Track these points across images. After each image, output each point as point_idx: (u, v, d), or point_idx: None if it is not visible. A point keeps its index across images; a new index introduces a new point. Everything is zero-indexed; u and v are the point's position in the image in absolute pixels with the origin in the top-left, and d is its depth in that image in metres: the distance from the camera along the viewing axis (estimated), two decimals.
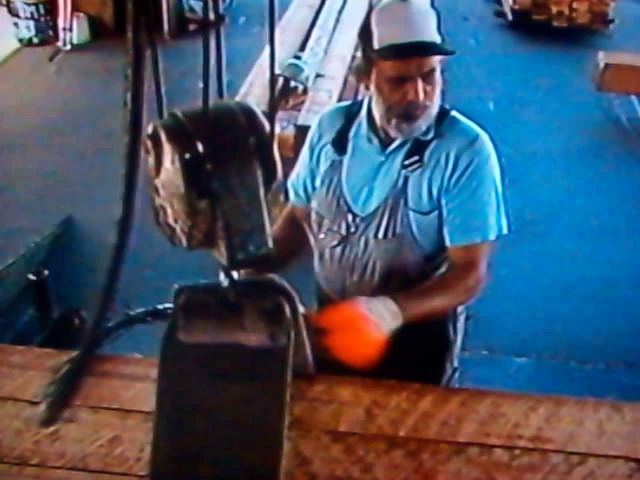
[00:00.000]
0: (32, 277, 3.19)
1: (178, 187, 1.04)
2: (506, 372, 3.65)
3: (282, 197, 2.19)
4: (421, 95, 1.85)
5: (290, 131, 4.51)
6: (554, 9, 8.16)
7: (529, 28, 8.17)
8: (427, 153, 1.94)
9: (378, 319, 1.71)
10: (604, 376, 3.68)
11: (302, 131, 4.41)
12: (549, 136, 6.03)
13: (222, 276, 1.16)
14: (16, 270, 3.88)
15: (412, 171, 1.95)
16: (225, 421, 1.19)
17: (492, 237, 1.97)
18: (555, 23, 8.18)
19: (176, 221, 1.10)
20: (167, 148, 1.04)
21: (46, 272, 3.23)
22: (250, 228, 1.06)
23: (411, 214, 1.96)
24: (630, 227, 4.88)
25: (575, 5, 8.15)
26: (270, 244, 1.08)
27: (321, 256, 2.13)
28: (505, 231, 2.00)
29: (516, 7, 8.30)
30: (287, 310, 1.17)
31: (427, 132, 1.94)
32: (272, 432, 1.19)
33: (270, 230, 1.09)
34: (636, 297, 4.20)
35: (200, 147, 1.03)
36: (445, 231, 1.97)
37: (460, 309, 2.17)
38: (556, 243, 4.70)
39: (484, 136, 1.97)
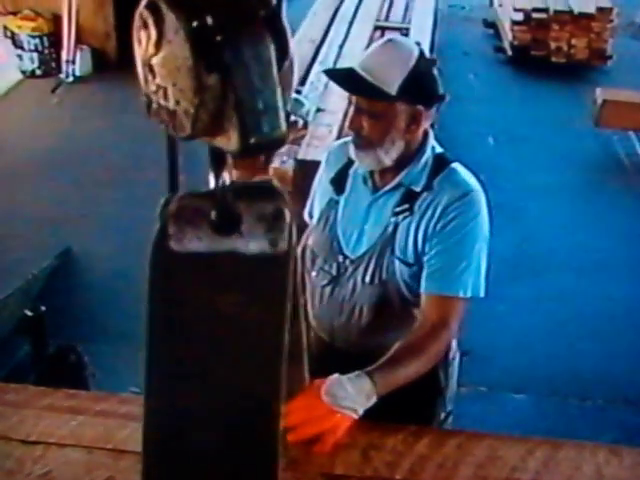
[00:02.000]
0: (29, 313, 3.18)
1: (184, 60, 0.94)
2: (504, 409, 3.63)
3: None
4: (364, 127, 1.90)
5: (290, 165, 4.53)
6: (553, 45, 8.25)
7: (528, 63, 8.25)
8: (418, 203, 1.94)
9: (346, 405, 1.65)
10: (603, 413, 3.66)
11: (302, 165, 4.43)
12: (548, 171, 6.05)
13: (212, 181, 1.06)
14: (13, 302, 3.87)
15: (402, 219, 1.95)
16: (222, 333, 1.10)
17: (464, 295, 1.91)
18: (554, 59, 8.26)
19: (178, 103, 0.98)
20: (170, 18, 0.95)
21: (43, 307, 3.22)
22: (264, 107, 0.97)
23: (396, 262, 1.95)
24: (629, 263, 4.88)
25: (574, 41, 8.24)
26: (284, 126, 0.99)
27: (312, 294, 2.13)
28: (482, 294, 1.95)
29: (515, 43, 8.38)
30: (287, 215, 1.07)
31: (417, 182, 1.95)
32: (272, 345, 1.11)
33: (284, 111, 0.99)
34: (635, 334, 4.19)
35: (208, 18, 0.93)
36: (422, 277, 1.94)
37: (452, 354, 2.14)
38: (554, 279, 4.70)
39: (477, 194, 1.94)
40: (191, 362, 1.12)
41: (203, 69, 0.93)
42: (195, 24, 0.92)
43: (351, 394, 1.66)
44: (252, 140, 0.96)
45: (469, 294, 1.92)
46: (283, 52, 0.99)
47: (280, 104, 0.98)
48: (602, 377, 3.87)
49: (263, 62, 0.97)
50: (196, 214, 1.05)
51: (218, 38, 0.93)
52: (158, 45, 0.97)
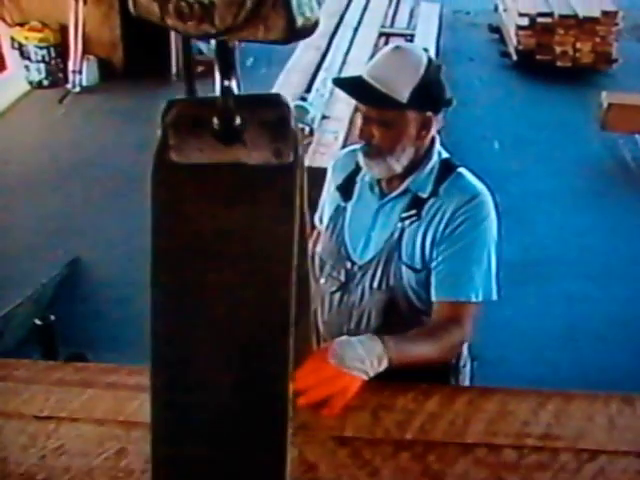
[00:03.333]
0: (38, 322, 3.19)
1: None
2: None
3: None
4: (375, 136, 1.89)
5: None
6: (558, 49, 8.25)
7: (533, 68, 8.25)
8: (425, 208, 1.94)
9: (355, 366, 1.61)
10: None
11: (308, 172, 4.45)
12: (554, 175, 6.06)
13: (218, 88, 1.01)
14: (23, 312, 3.89)
15: (409, 225, 1.95)
16: (228, 249, 1.03)
17: (476, 299, 1.91)
18: (559, 63, 8.26)
19: None
20: None
21: (52, 317, 3.23)
22: None
23: (403, 268, 1.95)
24: (636, 267, 4.87)
25: (579, 45, 8.24)
26: (318, 11, 0.97)
27: (322, 301, 2.12)
28: (494, 297, 1.94)
29: (521, 47, 8.39)
30: (293, 123, 1.02)
31: (424, 188, 1.95)
32: (281, 261, 1.03)
33: None
34: None
35: None
36: (432, 285, 1.93)
37: (462, 361, 2.12)
38: (562, 283, 4.70)
39: (485, 196, 1.94)
40: (196, 280, 1.05)
41: None
42: None
43: (360, 354, 1.63)
44: (299, 24, 0.94)
45: (481, 298, 1.91)
46: None
47: None
48: (610, 381, 3.85)
49: None
50: (197, 123, 1.01)
51: None
52: None
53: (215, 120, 1.00)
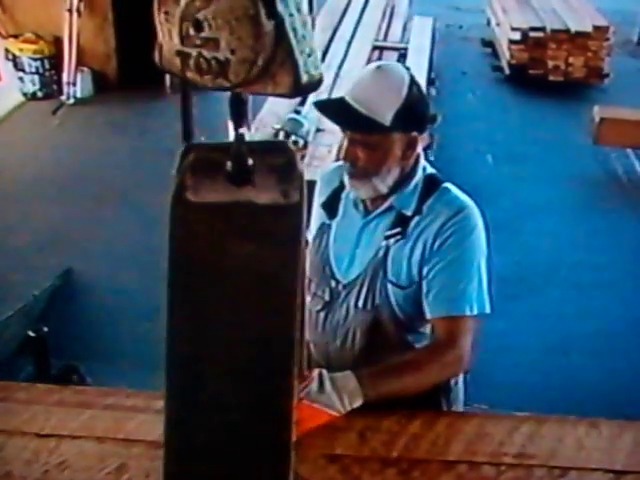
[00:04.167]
0: (31, 333, 3.19)
1: (245, 9, 1.02)
2: None
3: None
4: (360, 158, 1.88)
5: None
6: (550, 64, 8.29)
7: (526, 82, 8.28)
8: (411, 226, 1.92)
9: (326, 405, 1.70)
10: None
11: None
12: (547, 189, 6.08)
13: (231, 133, 1.12)
14: (15, 323, 3.88)
15: (394, 243, 1.93)
16: (240, 281, 1.14)
17: (471, 312, 1.90)
18: (551, 77, 8.30)
19: (234, 52, 1.04)
20: None
21: (45, 328, 3.23)
22: (309, 51, 1.06)
23: (389, 286, 1.93)
24: (628, 280, 4.89)
25: (571, 60, 8.28)
26: (322, 68, 1.09)
27: (309, 319, 2.09)
28: (487, 310, 1.93)
29: (513, 62, 8.43)
30: (299, 167, 1.13)
31: (408, 205, 1.93)
32: (286, 291, 1.14)
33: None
34: (635, 351, 4.18)
35: None
36: (424, 303, 1.92)
37: (453, 381, 2.10)
38: (554, 296, 4.71)
39: (471, 209, 1.93)
40: (209, 309, 1.15)
41: (264, 15, 1.02)
42: None
43: (328, 392, 1.70)
44: (304, 81, 1.05)
45: (475, 311, 1.90)
46: (311, 4, 1.10)
47: (316, 48, 1.09)
48: (602, 395, 3.86)
49: (303, 11, 1.07)
50: (212, 166, 1.11)
51: None
52: (208, 1, 1.04)
53: (228, 164, 1.11)
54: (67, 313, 4.27)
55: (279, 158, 1.12)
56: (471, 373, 2.33)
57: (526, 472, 1.66)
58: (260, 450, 1.18)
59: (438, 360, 1.88)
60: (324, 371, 1.75)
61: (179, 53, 1.08)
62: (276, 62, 1.04)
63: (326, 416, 1.71)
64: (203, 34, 1.05)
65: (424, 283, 1.91)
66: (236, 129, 1.11)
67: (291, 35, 1.04)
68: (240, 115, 1.11)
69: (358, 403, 1.74)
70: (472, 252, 1.91)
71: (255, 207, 1.11)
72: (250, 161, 1.11)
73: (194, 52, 1.07)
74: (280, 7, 1.03)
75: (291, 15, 1.04)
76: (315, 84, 1.08)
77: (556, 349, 4.22)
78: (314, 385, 1.71)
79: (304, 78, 1.05)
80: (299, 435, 1.59)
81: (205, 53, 1.06)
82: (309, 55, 1.06)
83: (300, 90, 1.07)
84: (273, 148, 1.14)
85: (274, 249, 1.13)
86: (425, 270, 1.90)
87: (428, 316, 1.92)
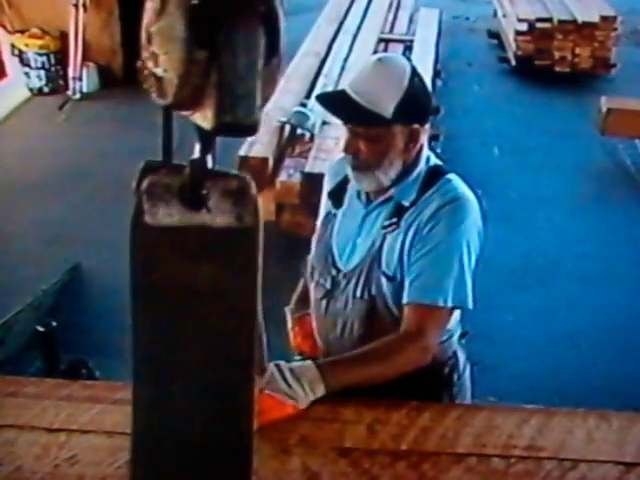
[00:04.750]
0: (40, 329, 3.20)
1: (179, 32, 1.01)
2: None
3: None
4: (362, 150, 1.87)
5: (296, 178, 4.56)
6: (557, 54, 8.27)
7: (532, 73, 8.27)
8: (405, 217, 1.90)
9: (283, 394, 1.70)
10: None
11: (308, 178, 4.46)
12: (554, 181, 6.06)
13: (197, 152, 1.11)
14: (24, 318, 3.89)
15: (390, 232, 1.91)
16: (198, 302, 1.17)
17: (444, 304, 1.85)
18: (558, 68, 8.29)
19: (166, 70, 1.04)
20: None
21: (54, 323, 3.24)
22: (243, 92, 1.03)
23: (382, 277, 1.92)
24: (637, 271, 4.87)
25: (577, 50, 8.27)
26: (259, 117, 1.04)
27: (314, 307, 2.12)
28: (469, 306, 1.89)
29: (519, 53, 8.41)
30: (252, 190, 1.13)
31: (408, 196, 1.91)
32: (244, 312, 1.18)
33: (260, 103, 1.04)
34: None
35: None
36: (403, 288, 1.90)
37: (456, 375, 2.08)
38: (562, 288, 4.69)
39: (465, 201, 1.89)
40: (170, 330, 1.19)
41: (195, 43, 1.00)
42: (195, 1, 1.00)
43: (288, 381, 1.71)
44: (226, 120, 1.02)
45: (450, 303, 1.85)
46: (274, 50, 1.06)
47: (258, 95, 1.04)
48: (611, 386, 3.86)
49: (251, 52, 1.03)
50: (166, 191, 1.12)
51: (214, 18, 1.00)
52: (160, 14, 1.03)
53: (184, 188, 1.12)
54: (76, 308, 4.28)
55: (233, 182, 1.13)
56: (478, 366, 2.34)
57: (536, 464, 1.66)
58: (221, 467, 1.24)
59: (403, 350, 1.85)
60: (282, 362, 1.75)
61: (141, 61, 1.09)
62: (205, 94, 1.03)
63: (289, 408, 1.71)
64: (152, 48, 1.06)
65: (405, 269, 1.89)
66: (200, 153, 1.10)
67: (225, 71, 1.02)
68: (208, 141, 1.10)
69: (320, 392, 1.73)
70: (457, 243, 1.86)
71: (210, 230, 1.13)
72: (204, 186, 1.12)
73: (147, 63, 1.08)
74: (219, 40, 1.01)
75: (233, 51, 1.02)
76: (243, 128, 1.05)
77: (565, 341, 4.21)
78: (273, 375, 1.71)
79: (227, 119, 1.02)
80: (260, 426, 1.57)
81: (151, 66, 1.07)
82: (242, 98, 1.03)
83: (222, 129, 1.04)
84: (228, 173, 1.14)
85: (230, 271, 1.16)
86: (407, 257, 1.88)
87: (403, 301, 1.88)
